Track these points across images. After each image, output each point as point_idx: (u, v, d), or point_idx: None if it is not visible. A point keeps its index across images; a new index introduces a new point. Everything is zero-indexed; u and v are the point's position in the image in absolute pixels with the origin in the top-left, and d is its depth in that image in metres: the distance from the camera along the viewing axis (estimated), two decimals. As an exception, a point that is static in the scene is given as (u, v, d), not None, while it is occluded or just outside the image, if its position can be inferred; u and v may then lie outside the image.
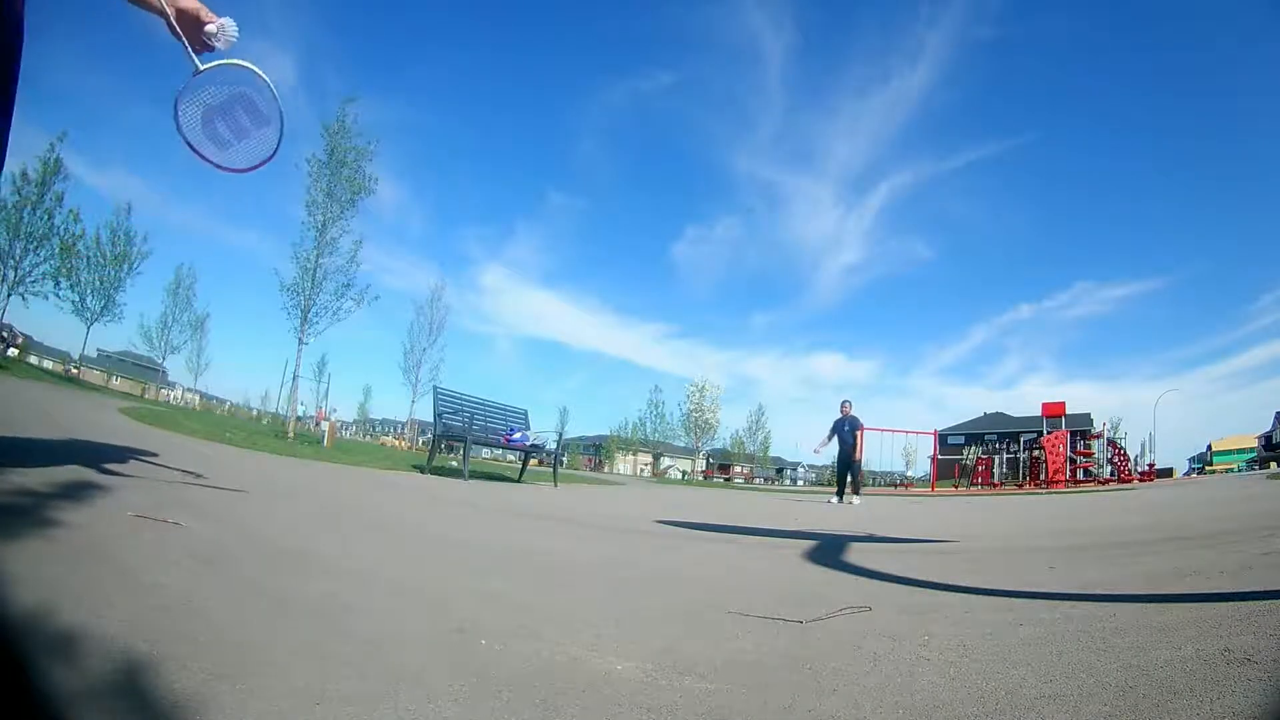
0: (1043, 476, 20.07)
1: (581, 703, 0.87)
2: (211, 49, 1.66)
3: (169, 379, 43.37)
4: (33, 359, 26.47)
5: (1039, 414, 24.49)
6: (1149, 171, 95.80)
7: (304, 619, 1.12)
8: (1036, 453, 22.13)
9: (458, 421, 7.06)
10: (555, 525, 3.55)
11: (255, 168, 1.79)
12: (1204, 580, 1.85)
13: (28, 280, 20.23)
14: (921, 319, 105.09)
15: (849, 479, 9.68)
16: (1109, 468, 21.82)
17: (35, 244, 19.99)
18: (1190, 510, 5.69)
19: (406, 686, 0.86)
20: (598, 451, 58.20)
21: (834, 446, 10.08)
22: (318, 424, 23.85)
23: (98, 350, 41.84)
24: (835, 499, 9.16)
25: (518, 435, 7.59)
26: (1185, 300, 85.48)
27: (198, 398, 42.37)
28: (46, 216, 20.00)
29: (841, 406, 10.02)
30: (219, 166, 1.73)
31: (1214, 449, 47.86)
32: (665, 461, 57.14)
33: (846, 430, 9.84)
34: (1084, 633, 1.27)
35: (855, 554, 2.85)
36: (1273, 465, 29.27)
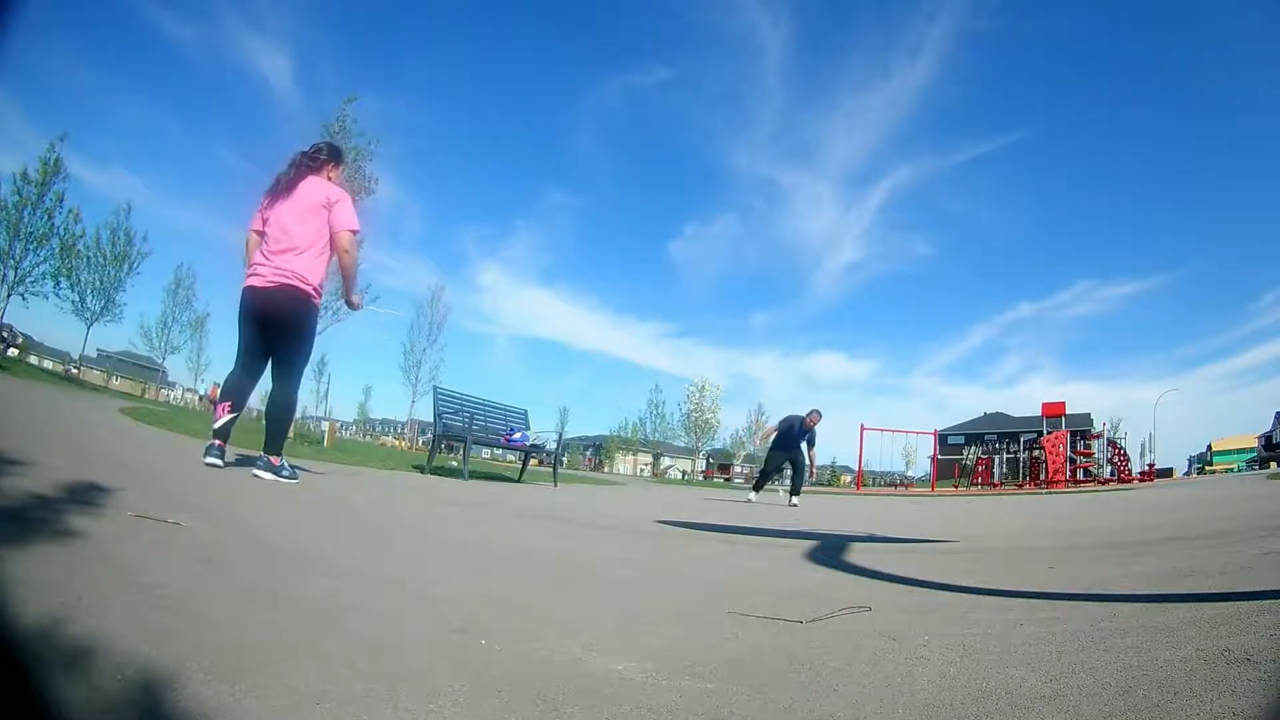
0: (1043, 476, 20.09)
1: (581, 703, 0.87)
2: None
3: (169, 379, 43.40)
4: (33, 359, 26.43)
5: (1039, 414, 24.50)
6: (1150, 170, 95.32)
7: (304, 619, 1.12)
8: (1036, 453, 22.16)
9: (458, 421, 7.06)
10: (555, 525, 3.55)
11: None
12: (1204, 580, 1.85)
13: (28, 280, 20.23)
14: (922, 318, 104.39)
15: (779, 477, 9.24)
16: (1109, 468, 21.86)
17: (35, 244, 19.99)
18: (1190, 510, 5.70)
19: (406, 686, 0.86)
20: (598, 451, 58.12)
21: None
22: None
23: (98, 350, 41.72)
24: (754, 494, 8.84)
25: (518, 435, 7.58)
26: (1186, 299, 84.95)
27: (198, 398, 42.33)
28: (46, 216, 20.00)
29: (809, 416, 8.91)
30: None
31: (1214, 449, 47.85)
32: (665, 461, 57.06)
33: (799, 434, 8.93)
34: (1084, 633, 1.27)
35: (855, 554, 2.86)
36: (1273, 465, 29.26)
